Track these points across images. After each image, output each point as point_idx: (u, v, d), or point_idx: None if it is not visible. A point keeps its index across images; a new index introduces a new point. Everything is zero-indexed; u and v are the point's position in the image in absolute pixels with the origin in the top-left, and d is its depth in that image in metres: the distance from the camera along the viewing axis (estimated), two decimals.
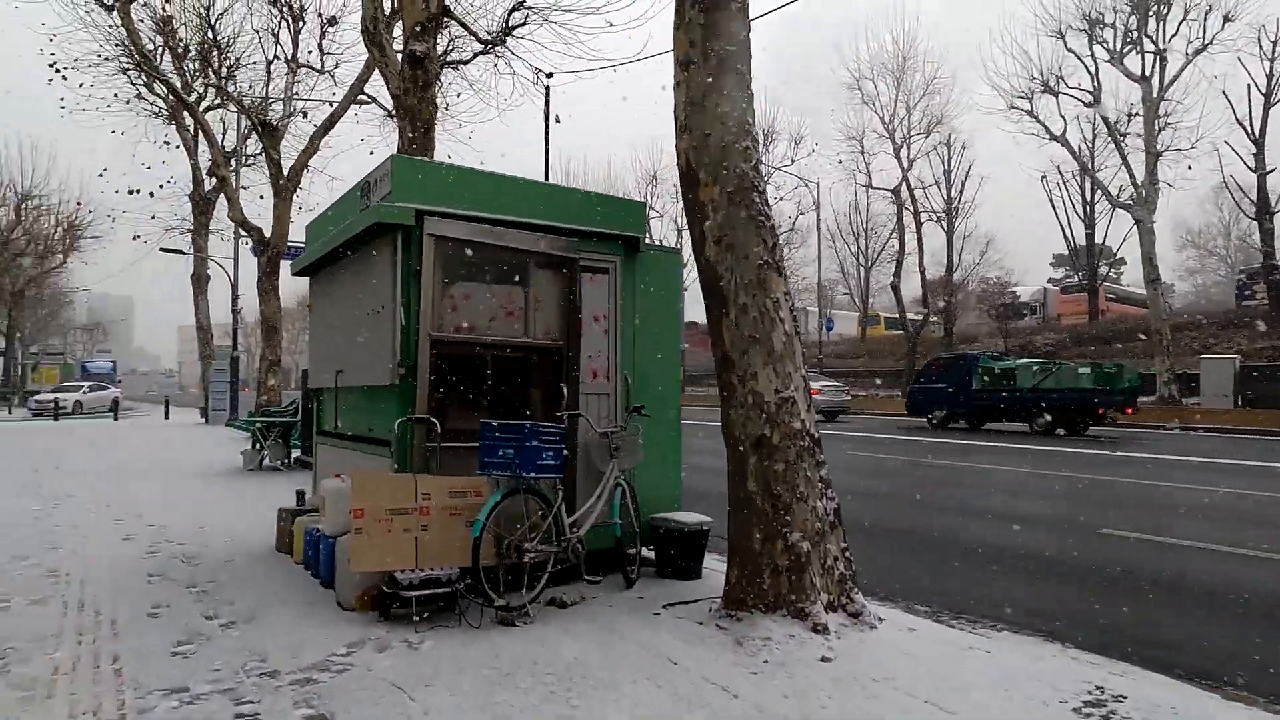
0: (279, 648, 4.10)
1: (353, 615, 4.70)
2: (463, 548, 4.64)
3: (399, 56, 11.93)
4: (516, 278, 5.50)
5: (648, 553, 5.89)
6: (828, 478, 4.80)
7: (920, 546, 7.28)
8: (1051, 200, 40.07)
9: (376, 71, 17.55)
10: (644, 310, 6.02)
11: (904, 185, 35.53)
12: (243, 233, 20.25)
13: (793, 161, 39.29)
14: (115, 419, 30.05)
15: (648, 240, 6.05)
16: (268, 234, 17.92)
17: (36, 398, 36.12)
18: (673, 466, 6.17)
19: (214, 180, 25.18)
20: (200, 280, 25.56)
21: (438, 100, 11.21)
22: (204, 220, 25.37)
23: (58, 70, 20.75)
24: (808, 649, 4.14)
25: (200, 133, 21.02)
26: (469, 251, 5.26)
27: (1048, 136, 29.66)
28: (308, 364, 7.17)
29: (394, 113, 19.55)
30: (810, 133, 52.44)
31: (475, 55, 13.15)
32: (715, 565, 5.95)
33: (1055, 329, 39.13)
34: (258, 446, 12.25)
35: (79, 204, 36.00)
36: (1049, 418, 19.17)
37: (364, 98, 18.71)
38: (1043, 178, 38.69)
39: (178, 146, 23.79)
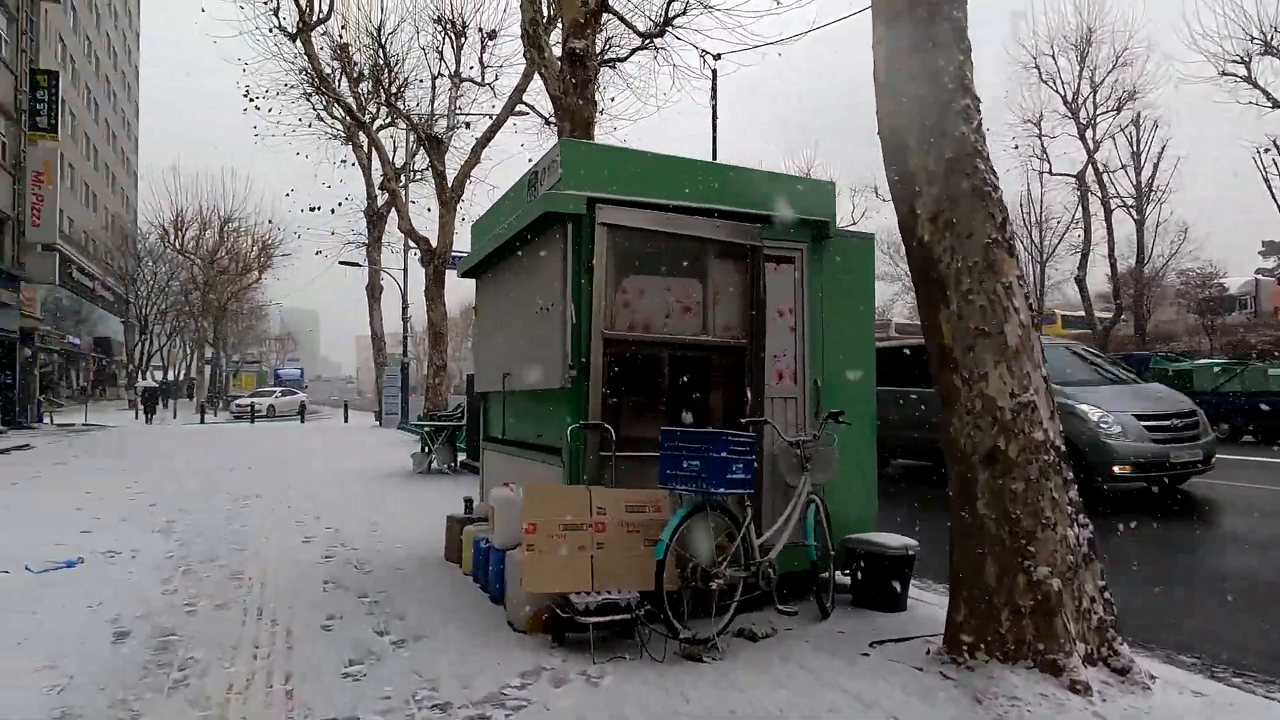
0: (450, 674, 3.76)
1: (524, 638, 4.33)
2: (642, 570, 4.16)
3: (558, 57, 11.83)
4: (694, 269, 4.98)
5: (840, 578, 5.21)
6: (1079, 500, 3.94)
7: (1148, 575, 6.13)
8: (1267, 179, 35.24)
9: (534, 80, 17.79)
10: (834, 303, 5.35)
11: (1089, 169, 32.35)
12: (411, 244, 21.13)
13: None
14: (301, 421, 32.40)
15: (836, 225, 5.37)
16: (434, 244, 18.52)
17: (237, 401, 39.75)
18: (867, 481, 5.44)
19: (385, 195, 26.58)
20: (374, 291, 27.05)
21: (596, 98, 10.97)
22: (377, 234, 26.84)
23: (251, 100, 22.55)
24: (1070, 715, 3.33)
25: (373, 151, 22.15)
26: (644, 241, 4.80)
27: (1269, 104, 25.99)
28: (473, 368, 6.97)
29: (551, 119, 19.74)
30: None
31: (633, 51, 12.90)
32: (919, 596, 5.18)
33: (1271, 325, 34.32)
34: (426, 450, 12.49)
35: (270, 222, 39.27)
36: (1226, 425, 16.56)
37: (522, 108, 19.02)
38: (1261, 151, 34.07)
39: (353, 164, 25.30)
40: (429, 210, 24.35)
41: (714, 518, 4.22)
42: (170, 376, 52.10)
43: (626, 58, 13.48)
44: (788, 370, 5.21)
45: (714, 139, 13.39)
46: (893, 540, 4.95)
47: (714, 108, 12.89)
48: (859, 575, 5.04)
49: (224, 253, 44.36)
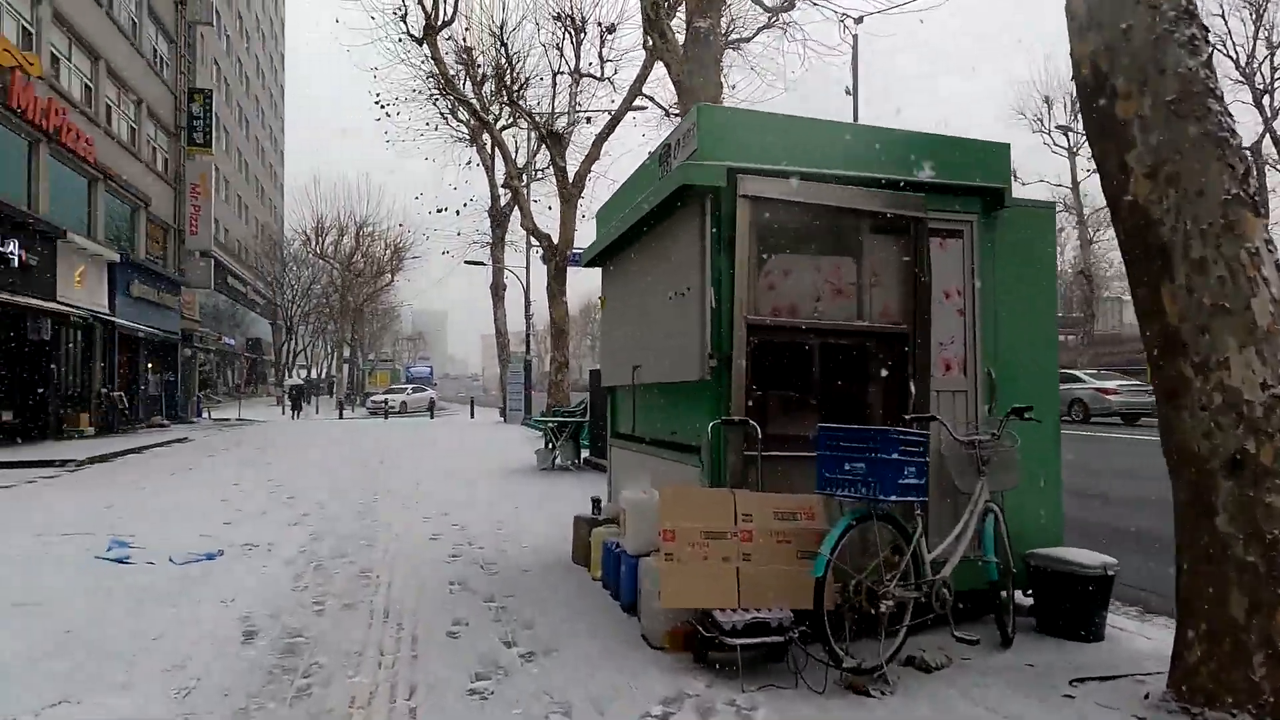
0: (583, 698, 3.39)
1: (661, 656, 3.91)
2: (795, 585, 3.66)
3: (680, 41, 11.41)
4: (847, 246, 4.42)
5: (1019, 598, 4.51)
6: None
7: None
8: None
9: (654, 70, 17.48)
10: (1008, 283, 4.65)
11: (1267, 138, 29.03)
12: (533, 241, 21.30)
13: None
14: (431, 417, 33.52)
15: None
16: (555, 241, 18.52)
17: (372, 398, 41.63)
18: (1050, 487, 4.71)
19: (508, 194, 27.03)
20: (497, 289, 27.58)
21: (721, 79, 10.48)
22: (500, 233, 27.34)
23: (382, 107, 23.36)
24: None
25: (496, 150, 22.48)
26: (791, 215, 4.28)
27: None
28: (599, 361, 6.63)
29: (671, 109, 19.40)
30: None
31: (759, 30, 12.31)
32: (1112, 621, 4.42)
33: None
34: (550, 446, 12.37)
35: (401, 225, 40.88)
36: None
37: (641, 101, 18.76)
38: None
39: (477, 165, 25.84)
40: (550, 208, 24.73)
41: (880, 529, 3.67)
42: (313, 375, 55.35)
43: (752, 37, 12.92)
44: (955, 359, 4.56)
45: (855, 109, 12.52)
46: (1088, 558, 4.23)
47: (854, 75, 12.07)
48: (1044, 597, 4.34)
49: (359, 257, 46.59)
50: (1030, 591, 4.48)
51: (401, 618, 4.59)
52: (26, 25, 17.88)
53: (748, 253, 4.13)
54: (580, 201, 18.42)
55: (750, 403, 4.12)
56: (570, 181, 18.16)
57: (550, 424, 12.50)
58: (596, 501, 6.11)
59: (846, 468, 3.56)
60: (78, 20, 20.01)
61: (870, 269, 4.40)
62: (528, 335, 26.60)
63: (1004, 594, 4.16)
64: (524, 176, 20.13)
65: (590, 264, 6.63)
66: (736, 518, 3.84)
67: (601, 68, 20.58)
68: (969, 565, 4.01)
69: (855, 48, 12.13)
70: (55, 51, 19.23)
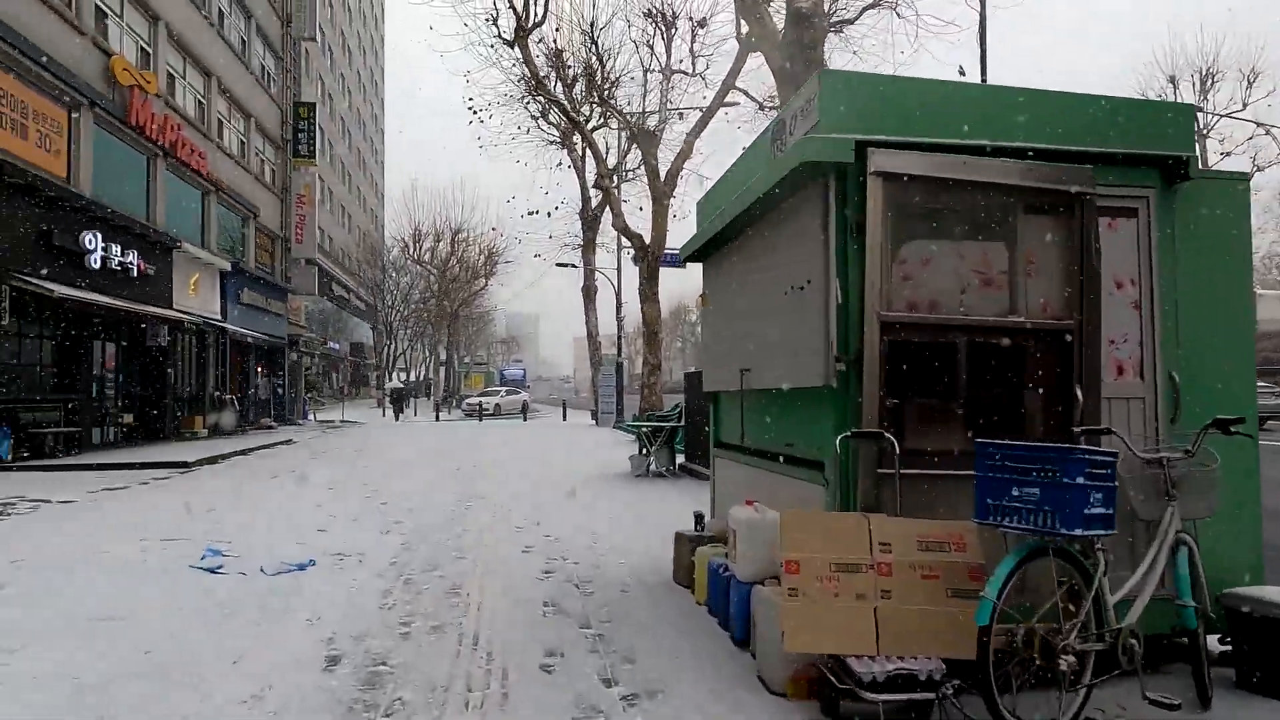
0: None
1: (782, 703, 3.40)
2: (948, 630, 3.08)
3: (778, 27, 10.82)
4: (997, 229, 3.78)
5: (1214, 644, 3.78)
6: None
7: None
8: None
9: (746, 64, 16.91)
10: (1193, 269, 3.91)
11: None
12: (625, 242, 21.03)
13: (1244, 106, 31.34)
14: (524, 420, 33.76)
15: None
16: (647, 241, 18.16)
17: (467, 400, 42.40)
18: (1248, 511, 3.94)
19: (599, 195, 26.90)
20: (589, 292, 27.47)
21: (825, 62, 9.84)
22: (591, 235, 27.23)
23: (475, 112, 23.57)
24: None
25: (588, 150, 22.30)
26: (929, 194, 3.69)
27: None
28: (700, 364, 6.14)
29: (766, 103, 18.79)
30: (1273, 67, 41.25)
31: (863, 10, 11.59)
32: None
33: None
34: (644, 451, 11.96)
35: (494, 229, 41.46)
36: None
37: (733, 96, 18.22)
38: None
39: (568, 167, 25.78)
40: (640, 209, 24.46)
41: (1055, 565, 3.04)
42: (412, 378, 56.93)
43: (855, 19, 12.20)
44: (1129, 361, 3.86)
45: (982, 75, 11.51)
46: None
47: (981, 40, 11.07)
48: (1248, 646, 3.60)
49: (455, 262, 47.59)
50: (1226, 638, 3.74)
51: (492, 645, 4.22)
52: (144, 45, 18.77)
53: (880, 238, 3.57)
54: (672, 201, 18.00)
55: (885, 412, 3.55)
56: (662, 180, 17.76)
57: (644, 429, 12.09)
58: (699, 517, 5.62)
59: (1015, 493, 2.95)
60: (191, 40, 20.92)
61: (1025, 256, 3.76)
62: (619, 337, 26.38)
63: (1199, 643, 3.45)
64: (615, 177, 19.84)
65: (690, 259, 6.14)
66: (873, 547, 3.29)
67: (693, 63, 20.14)
68: (1157, 607, 3.33)
69: (983, 9, 11.12)
70: (171, 70, 20.15)
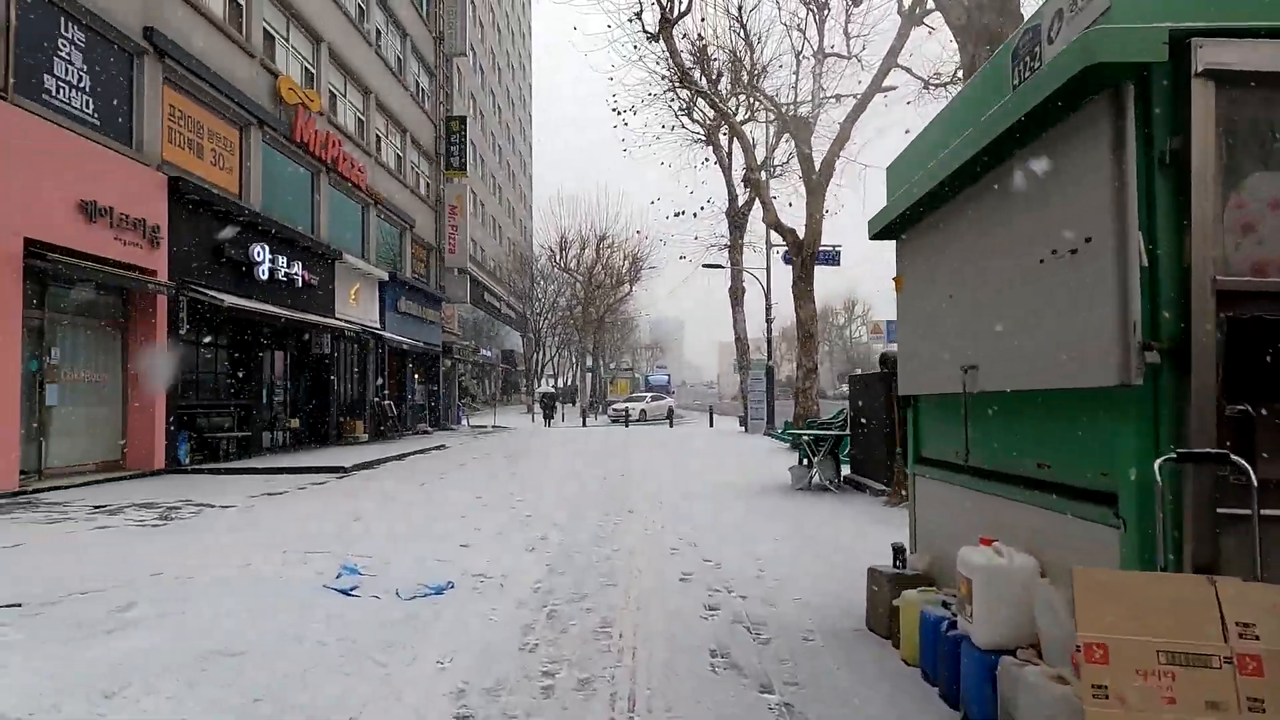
0: None
1: None
2: None
3: None
4: None
5: None
6: None
7: None
8: None
9: (909, 40, 15.43)
10: None
11: None
12: (774, 239, 19.93)
13: None
14: (670, 426, 33.14)
15: None
16: (801, 235, 16.99)
17: (613, 406, 42.41)
18: None
19: (746, 193, 25.88)
20: (736, 294, 26.47)
21: (1020, 10, 8.43)
22: (738, 235, 26.24)
23: (618, 113, 23.22)
24: None
25: (734, 145, 21.39)
26: None
27: None
28: (899, 360, 5.06)
29: (931, 80, 17.16)
30: None
31: None
32: None
33: None
34: (805, 462, 10.87)
35: (639, 232, 41.24)
36: None
37: (889, 82, 16.76)
38: None
39: (714, 164, 24.91)
40: (790, 205, 23.24)
41: None
42: (559, 384, 57.92)
43: None
44: None
45: None
46: None
47: None
48: None
49: (600, 269, 47.89)
50: None
51: (651, 708, 3.38)
52: (308, 66, 19.60)
53: (1211, 170, 2.44)
54: (827, 194, 16.73)
55: (1226, 424, 2.41)
56: (818, 170, 16.54)
57: (806, 437, 10.98)
58: (899, 552, 4.55)
59: None
60: (351, 59, 21.75)
61: None
62: (769, 339, 25.19)
63: None
64: (764, 171, 18.77)
65: (878, 236, 5.09)
66: (1226, 628, 2.18)
67: (848, 45, 18.81)
68: None
69: None
70: (332, 88, 20.99)
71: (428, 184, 29.76)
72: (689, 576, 5.91)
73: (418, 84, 28.56)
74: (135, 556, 6.41)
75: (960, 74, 11.37)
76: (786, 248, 23.05)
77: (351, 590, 5.35)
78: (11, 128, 10.10)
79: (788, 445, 17.25)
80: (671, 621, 4.73)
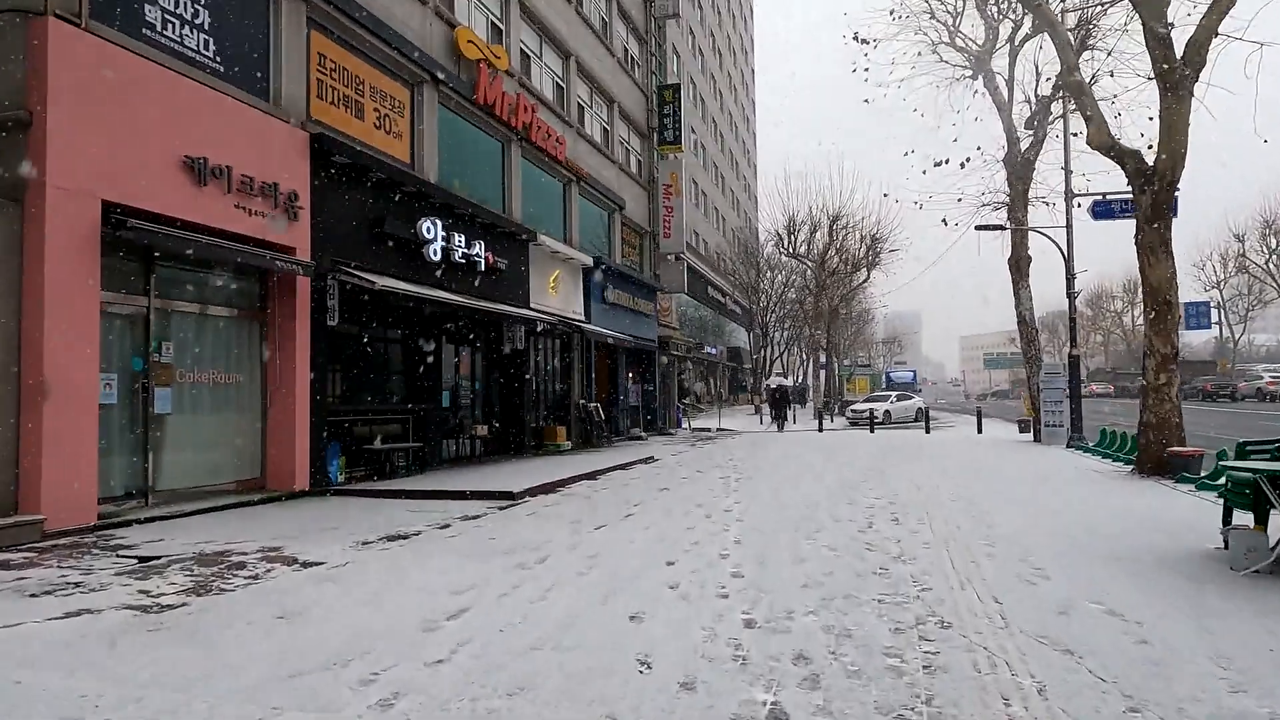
0: None
1: None
2: None
3: None
4: None
5: None
6: None
7: None
8: None
9: None
10: None
11: None
12: (1080, 185, 14.33)
13: None
14: (927, 431, 27.61)
15: None
16: (1153, 162, 11.53)
17: (853, 407, 37.30)
18: None
19: (1032, 134, 20.07)
20: (1019, 262, 20.60)
21: None
22: (1022, 188, 20.39)
23: (861, 41, 18.61)
24: None
25: (1016, 68, 15.91)
26: None
27: None
28: None
29: None
30: None
31: None
32: None
33: None
34: (1261, 525, 5.94)
35: (885, 194, 35.70)
36: None
37: None
38: None
39: (987, 98, 19.42)
40: (1118, 116, 16.98)
41: None
42: (790, 382, 53.24)
43: None
44: None
45: None
46: None
47: None
48: None
49: (834, 253, 42.79)
50: None
51: None
52: (495, 20, 17.10)
53: None
54: (1199, 86, 11.13)
55: None
56: (1181, 57, 11.01)
57: (1263, 472, 5.96)
58: None
59: None
60: (547, 16, 19.11)
61: None
62: (1072, 320, 19.10)
63: None
64: (1079, 72, 13.29)
65: None
66: None
67: None
68: None
69: None
70: (525, 48, 18.42)
71: (639, 161, 26.82)
72: None
73: (625, 50, 25.68)
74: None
75: None
76: (1094, 199, 17.20)
77: None
78: (89, 63, 7.94)
79: (1120, 465, 11.68)
80: None
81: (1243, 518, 6.40)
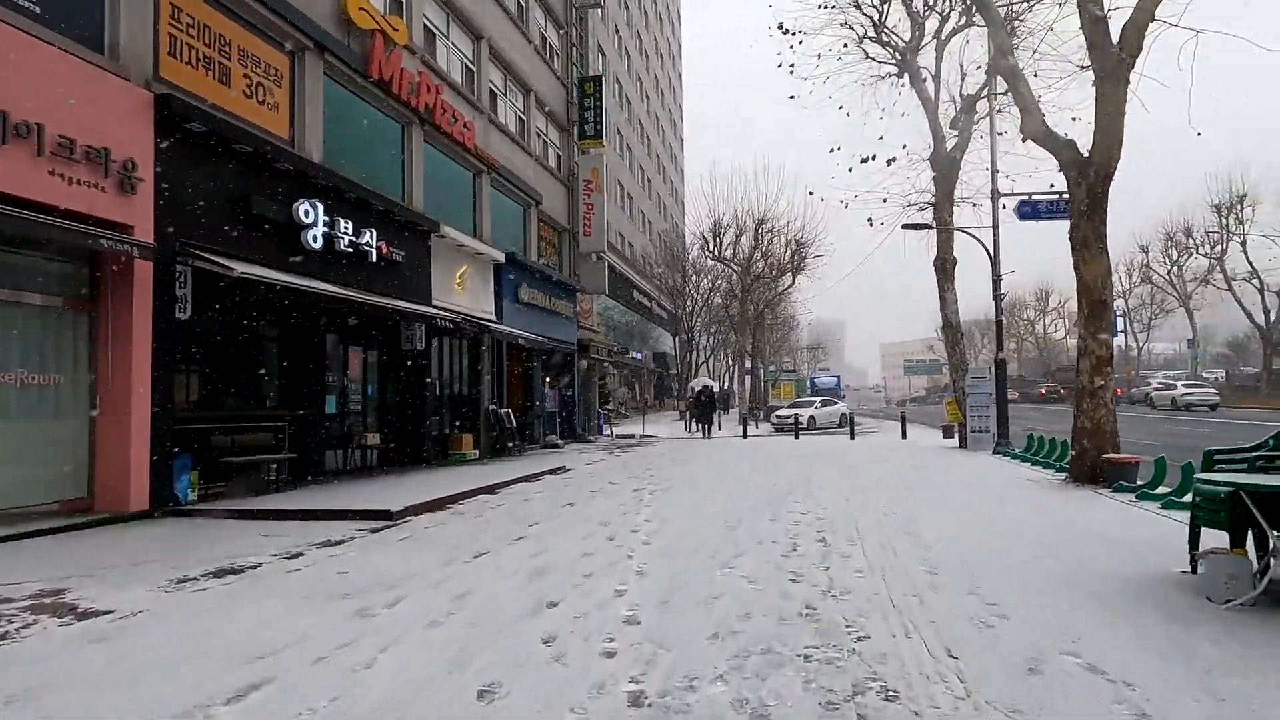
0: None
1: None
2: None
3: None
4: None
5: None
6: None
7: None
8: None
9: None
10: None
11: None
12: (1005, 185, 13.82)
13: None
14: (851, 436, 27.15)
15: None
16: (1085, 151, 10.96)
17: (778, 413, 36.81)
18: None
19: (957, 134, 19.70)
20: (946, 266, 20.20)
21: None
22: (948, 187, 20.00)
23: (785, 31, 17.87)
24: None
25: (942, 64, 15.42)
26: None
27: None
28: None
29: None
30: None
31: None
32: None
33: None
34: (1241, 545, 5.12)
35: (810, 192, 35.30)
36: None
37: None
38: None
39: (911, 92, 18.92)
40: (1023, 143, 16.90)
41: None
42: (715, 384, 52.57)
43: None
44: None
45: None
46: None
47: None
48: None
49: (759, 257, 42.33)
50: None
51: None
52: None
53: None
54: (1135, 72, 10.59)
55: None
56: (1117, 42, 10.45)
57: (1246, 487, 5.14)
58: None
59: None
60: None
61: None
62: (998, 323, 18.76)
63: None
64: (1011, 56, 12.68)
65: None
66: None
67: None
68: None
69: None
70: (430, 24, 17.00)
71: (559, 156, 25.59)
72: None
73: (544, 38, 24.43)
74: None
75: None
76: (1019, 199, 16.83)
77: None
78: None
79: (1053, 474, 11.05)
80: None
81: (1212, 538, 5.60)
